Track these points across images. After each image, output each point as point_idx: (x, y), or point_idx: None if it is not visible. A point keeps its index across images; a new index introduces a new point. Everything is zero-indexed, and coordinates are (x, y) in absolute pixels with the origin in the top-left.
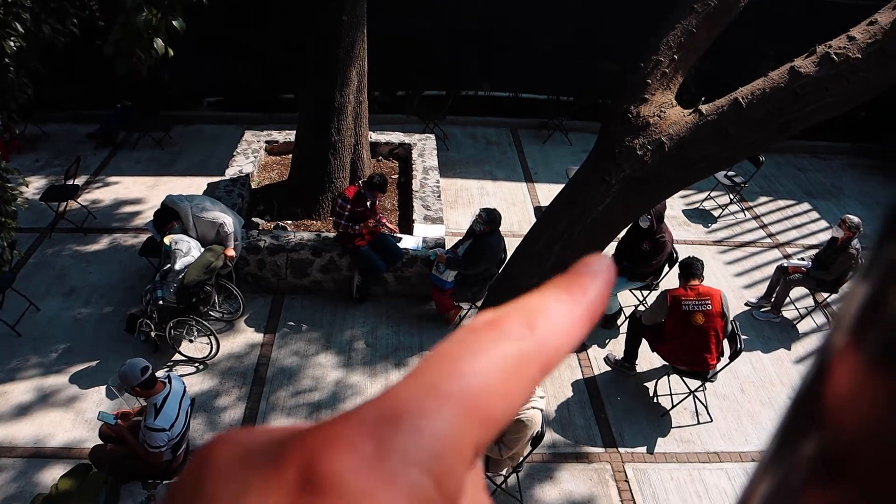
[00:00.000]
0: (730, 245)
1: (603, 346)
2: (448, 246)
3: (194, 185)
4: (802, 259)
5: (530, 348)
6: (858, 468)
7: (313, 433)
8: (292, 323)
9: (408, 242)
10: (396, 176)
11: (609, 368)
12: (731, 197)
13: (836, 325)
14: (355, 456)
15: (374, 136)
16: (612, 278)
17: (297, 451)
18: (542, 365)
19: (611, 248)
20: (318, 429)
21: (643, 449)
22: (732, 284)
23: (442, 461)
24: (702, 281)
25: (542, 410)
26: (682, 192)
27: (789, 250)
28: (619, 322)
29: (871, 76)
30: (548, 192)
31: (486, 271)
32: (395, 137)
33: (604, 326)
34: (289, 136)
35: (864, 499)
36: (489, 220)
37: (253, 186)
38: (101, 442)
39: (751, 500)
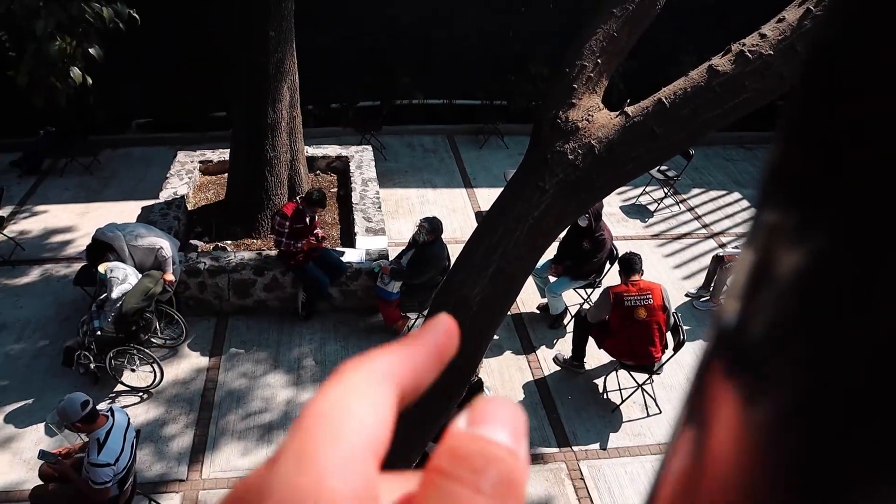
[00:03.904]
0: (667, 238)
1: (551, 346)
2: (391, 257)
3: (127, 211)
4: (737, 247)
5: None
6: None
7: None
8: (238, 344)
9: (351, 255)
10: (335, 189)
11: (558, 368)
12: (666, 191)
13: (728, 294)
14: None
15: (311, 151)
16: (454, 333)
17: None
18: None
19: (552, 248)
20: None
21: (596, 445)
22: (672, 276)
23: None
24: (642, 275)
25: None
26: (618, 189)
27: (724, 239)
28: (565, 322)
29: (783, 71)
30: (487, 197)
31: (431, 280)
32: (332, 150)
33: (551, 327)
34: (223, 154)
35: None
36: (432, 229)
37: (189, 208)
38: (41, 482)
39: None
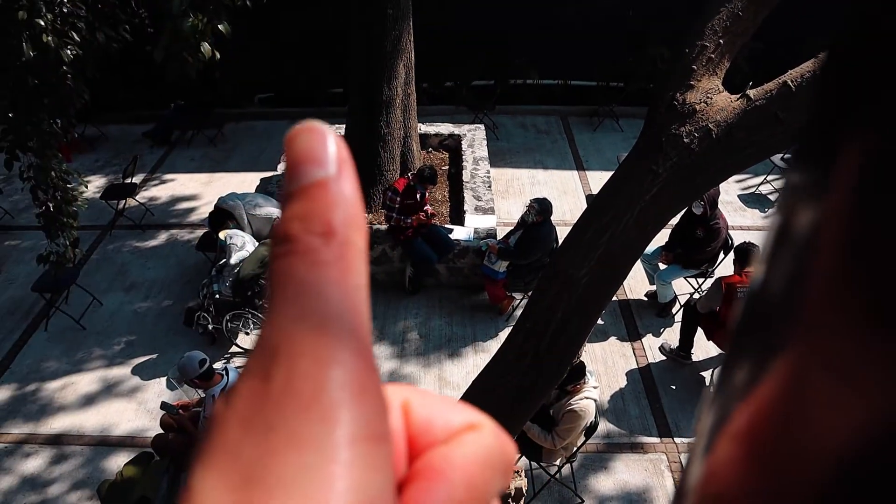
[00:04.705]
0: None
1: (658, 334)
2: (500, 236)
3: (247, 181)
4: None
5: None
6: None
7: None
8: None
9: (459, 233)
10: (447, 167)
11: (664, 357)
12: None
13: (757, 259)
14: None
15: (424, 128)
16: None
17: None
18: (354, 259)
19: (664, 234)
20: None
21: None
22: None
23: None
24: None
25: (595, 400)
26: (737, 177)
27: None
28: (673, 310)
29: None
30: (599, 180)
31: (538, 261)
32: (445, 128)
33: (658, 315)
34: (339, 130)
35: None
36: (541, 210)
37: None
38: (162, 431)
39: (697, 437)
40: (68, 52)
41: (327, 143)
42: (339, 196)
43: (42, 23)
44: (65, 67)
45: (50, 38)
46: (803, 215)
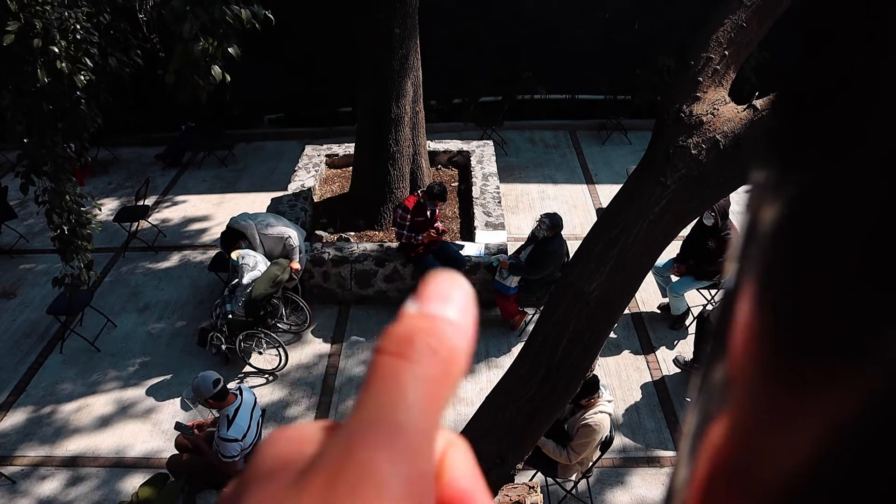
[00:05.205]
0: None
1: (672, 347)
2: (510, 251)
3: (258, 201)
4: None
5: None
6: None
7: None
8: (359, 333)
9: (470, 249)
10: (456, 183)
11: (678, 370)
12: None
13: (731, 257)
14: None
15: (433, 145)
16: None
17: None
18: (450, 386)
19: (675, 246)
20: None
21: None
22: None
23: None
24: None
25: (610, 414)
26: (748, 187)
27: None
28: (687, 323)
29: None
30: (609, 193)
31: (550, 276)
32: (454, 145)
33: (672, 327)
34: (348, 149)
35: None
36: (552, 225)
37: (315, 200)
38: (177, 452)
39: (683, 439)
40: (82, 77)
41: (465, 293)
42: (463, 330)
43: (56, 49)
44: (78, 93)
45: (64, 65)
46: (766, 215)
